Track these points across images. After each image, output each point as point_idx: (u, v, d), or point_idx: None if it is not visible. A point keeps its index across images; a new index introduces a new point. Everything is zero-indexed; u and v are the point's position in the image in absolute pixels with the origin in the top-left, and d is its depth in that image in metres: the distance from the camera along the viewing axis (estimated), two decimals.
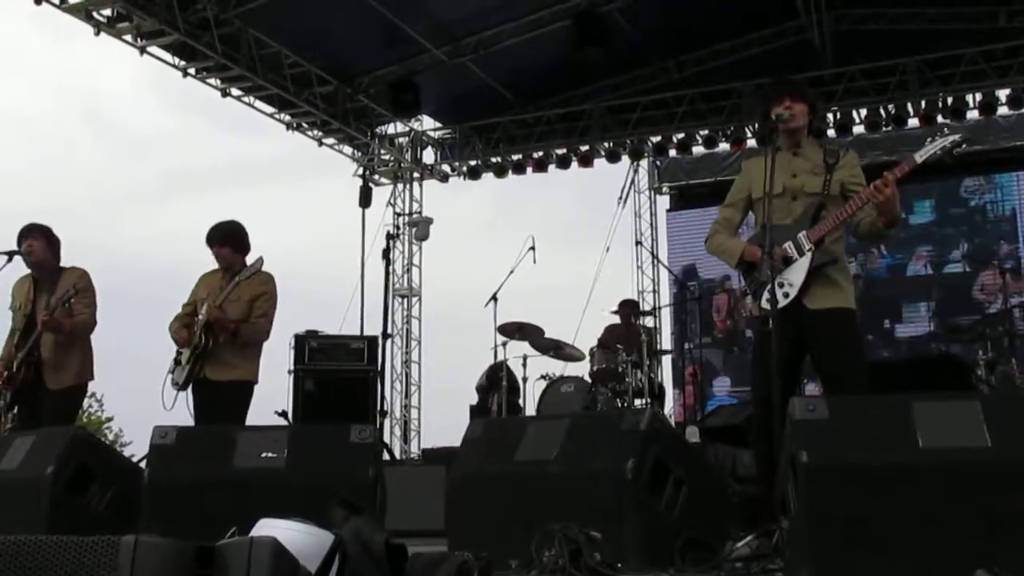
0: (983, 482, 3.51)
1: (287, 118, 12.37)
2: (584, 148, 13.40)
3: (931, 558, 3.45)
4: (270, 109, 12.07)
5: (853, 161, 5.05)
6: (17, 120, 61.08)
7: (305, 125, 12.70)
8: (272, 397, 9.69)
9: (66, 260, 6.80)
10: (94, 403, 31.42)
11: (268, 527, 2.04)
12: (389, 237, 9.68)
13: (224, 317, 6.41)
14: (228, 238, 6.65)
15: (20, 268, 6.74)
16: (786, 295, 4.82)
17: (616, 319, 10.66)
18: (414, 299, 14.14)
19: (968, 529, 3.46)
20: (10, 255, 6.63)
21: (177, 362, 6.58)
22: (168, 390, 6.56)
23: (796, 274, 4.85)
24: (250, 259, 6.66)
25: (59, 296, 6.45)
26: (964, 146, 4.71)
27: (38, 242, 6.63)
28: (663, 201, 15.69)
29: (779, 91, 5.09)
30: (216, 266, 6.75)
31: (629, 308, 10.84)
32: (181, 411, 6.49)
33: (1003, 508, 3.46)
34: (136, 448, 22.53)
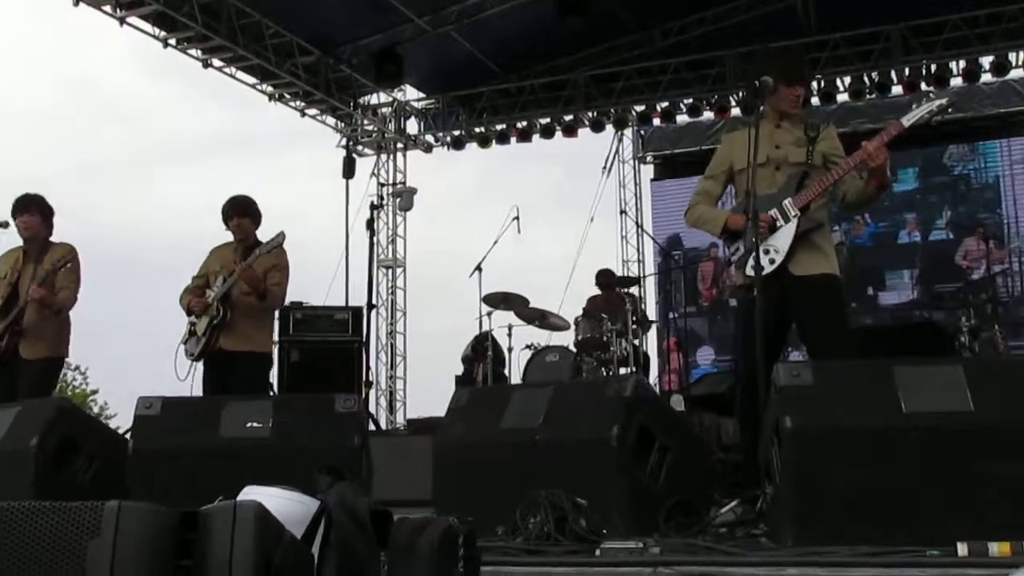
0: (966, 445, 3.54)
1: (269, 89, 12.27)
2: (568, 118, 13.35)
3: (914, 521, 3.48)
4: (252, 80, 11.97)
5: (833, 134, 5.12)
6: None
7: (287, 96, 12.61)
8: None
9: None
10: (78, 376, 31.45)
11: (253, 494, 2.04)
12: (373, 208, 9.65)
13: (256, 275, 6.46)
14: (249, 209, 6.74)
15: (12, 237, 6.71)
16: (772, 261, 4.83)
17: (597, 290, 10.67)
18: (399, 270, 14.11)
19: (951, 492, 3.49)
20: (5, 224, 6.60)
21: (192, 333, 6.60)
22: (181, 360, 6.59)
23: (782, 240, 4.86)
24: (261, 232, 6.75)
25: (48, 266, 6.42)
26: (951, 110, 4.74)
27: (34, 218, 6.59)
28: (647, 171, 15.66)
29: (797, 80, 5.11)
30: (226, 240, 6.82)
31: (605, 278, 10.84)
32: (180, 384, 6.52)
33: (985, 471, 3.49)
34: (121, 421, 22.50)
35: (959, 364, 3.95)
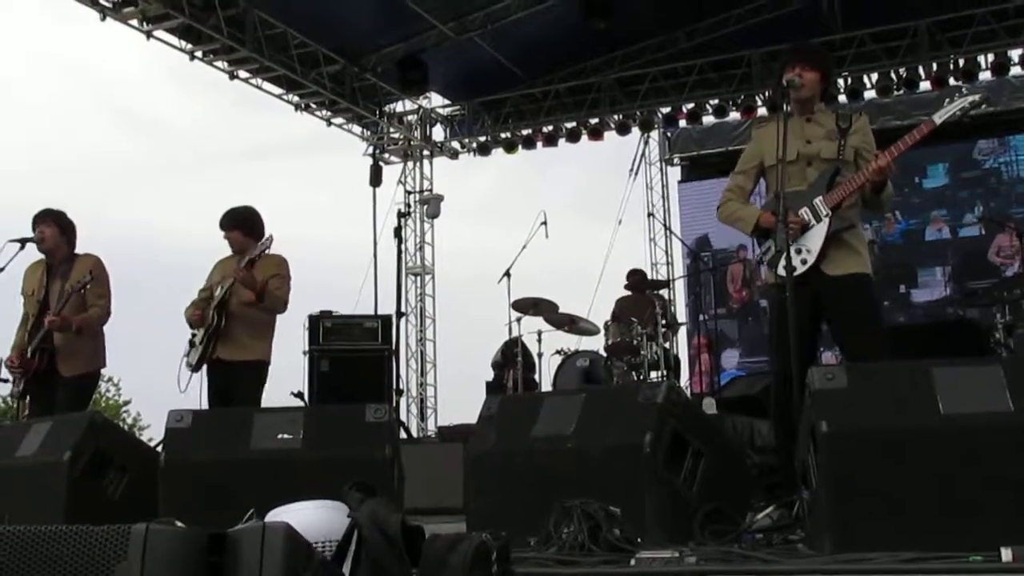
0: (1006, 446, 3.47)
1: (295, 99, 12.32)
2: (594, 121, 13.32)
3: (954, 525, 3.42)
4: (278, 90, 12.02)
5: (865, 126, 5.02)
6: (22, 103, 61.21)
7: (313, 105, 12.65)
8: (287, 378, 9.70)
9: (80, 245, 6.78)
10: (111, 387, 31.62)
11: (284, 513, 2.01)
12: (400, 216, 9.67)
13: (252, 276, 6.44)
14: (239, 222, 6.71)
15: (35, 252, 6.72)
16: (804, 261, 4.77)
17: (626, 292, 10.63)
18: (427, 277, 14.13)
19: (992, 495, 3.43)
20: (22, 242, 6.61)
21: (191, 344, 6.63)
22: (184, 372, 6.61)
23: (814, 240, 4.80)
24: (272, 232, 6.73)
25: (72, 284, 6.44)
26: (983, 106, 4.67)
27: (50, 229, 6.61)
28: (674, 172, 15.63)
29: (791, 58, 5.05)
30: (231, 252, 6.79)
31: (638, 277, 10.80)
32: (195, 394, 6.53)
33: None
34: (154, 432, 22.65)
35: (998, 364, 3.88)
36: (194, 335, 6.63)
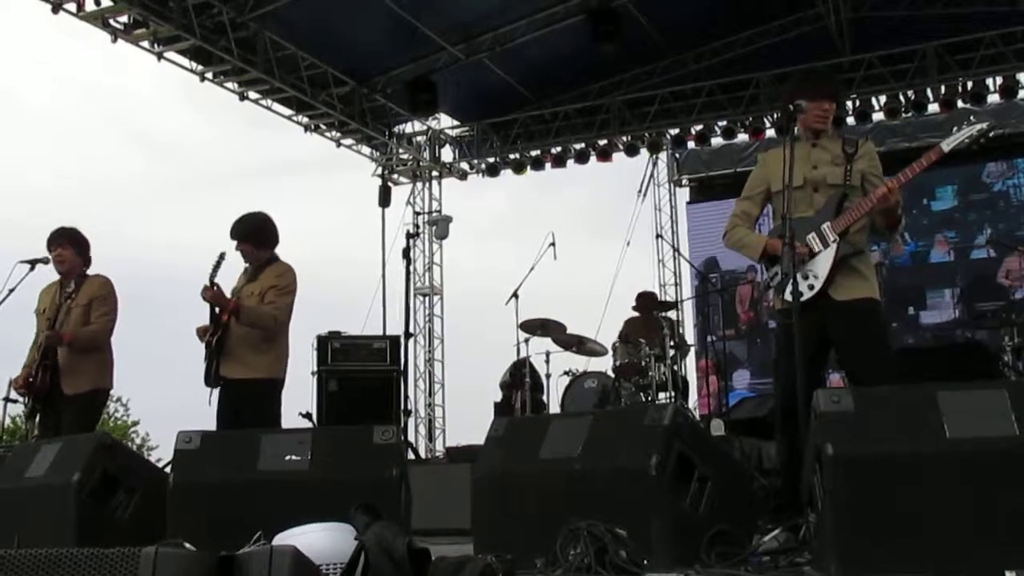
0: (1012, 471, 3.47)
1: (305, 120, 12.38)
2: (602, 142, 13.37)
3: (959, 549, 3.42)
4: (288, 111, 12.08)
5: (871, 151, 5.04)
6: (39, 118, 61.56)
7: (323, 126, 12.71)
8: (296, 398, 9.71)
9: (93, 264, 6.79)
10: (120, 408, 31.65)
11: (289, 537, 2.03)
12: (409, 236, 9.69)
13: (218, 295, 6.25)
14: (248, 234, 6.48)
15: (45, 273, 6.75)
16: (811, 287, 4.79)
17: (635, 313, 10.63)
18: (435, 298, 14.14)
19: (997, 520, 3.43)
20: (32, 263, 6.64)
21: (205, 359, 6.57)
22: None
23: (821, 266, 4.81)
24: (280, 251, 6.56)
25: (71, 305, 6.46)
26: (991, 134, 4.69)
27: (67, 251, 6.59)
28: (683, 194, 15.65)
29: (819, 94, 5.02)
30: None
31: (647, 299, 10.80)
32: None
33: None
34: (163, 452, 22.68)
35: (1003, 388, 3.88)
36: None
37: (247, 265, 6.58)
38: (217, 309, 6.34)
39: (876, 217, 4.87)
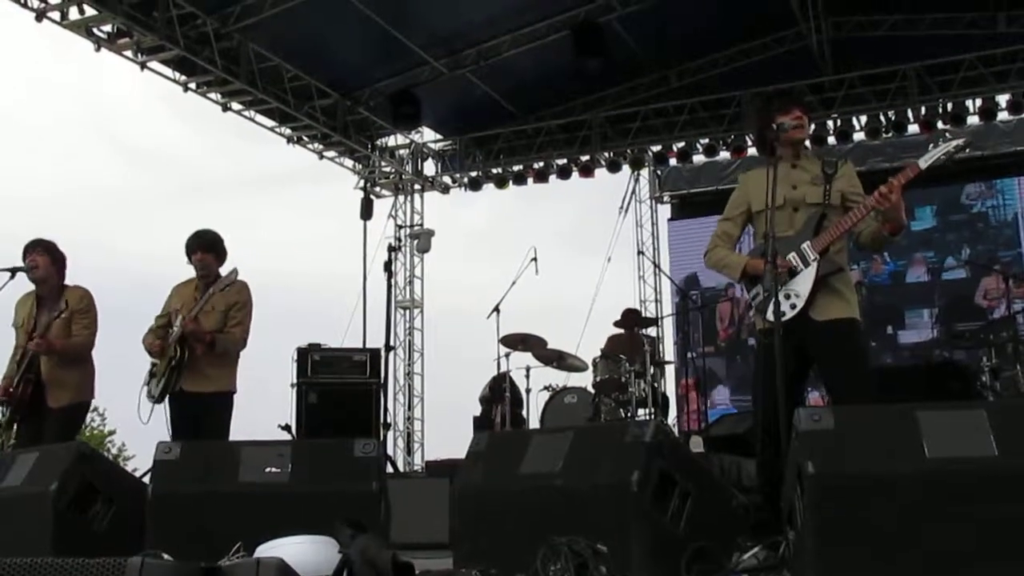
0: (990, 491, 3.49)
1: (288, 131, 12.36)
2: (585, 158, 13.39)
3: (938, 568, 3.44)
4: (271, 123, 12.07)
5: (851, 171, 5.07)
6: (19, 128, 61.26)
7: (306, 138, 12.70)
8: (275, 411, 9.69)
9: (69, 273, 6.78)
10: (96, 417, 31.42)
11: (276, 547, 2.03)
12: (391, 249, 9.68)
13: (200, 329, 6.43)
14: (212, 245, 6.66)
15: (27, 283, 6.71)
16: (793, 306, 4.81)
17: (618, 329, 10.63)
18: (416, 311, 14.14)
19: (976, 539, 3.45)
20: (13, 271, 6.61)
21: (152, 375, 6.57)
22: (144, 403, 6.56)
23: (802, 285, 4.84)
24: (224, 269, 6.66)
25: (54, 316, 6.44)
26: (967, 150, 4.72)
27: (42, 258, 6.60)
28: (664, 210, 15.68)
29: (788, 102, 5.08)
30: (188, 277, 6.75)
31: (632, 317, 10.82)
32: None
33: (1010, 517, 3.44)
34: (139, 462, 22.52)
35: (982, 408, 3.91)
36: (154, 365, 6.57)
37: (196, 281, 6.69)
38: (179, 324, 6.46)
39: (878, 228, 4.86)
